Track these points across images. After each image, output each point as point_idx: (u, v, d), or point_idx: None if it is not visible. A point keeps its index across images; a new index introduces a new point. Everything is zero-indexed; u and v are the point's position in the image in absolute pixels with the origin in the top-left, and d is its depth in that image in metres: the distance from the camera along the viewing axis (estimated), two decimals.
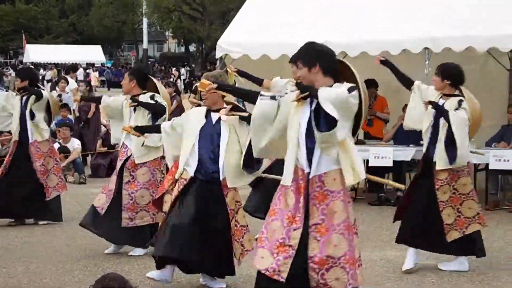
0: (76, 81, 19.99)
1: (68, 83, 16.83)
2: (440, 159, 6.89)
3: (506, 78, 11.57)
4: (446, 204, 6.94)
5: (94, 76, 43.13)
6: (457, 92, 7.14)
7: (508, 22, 9.88)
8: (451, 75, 7.09)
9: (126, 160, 7.64)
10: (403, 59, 10.40)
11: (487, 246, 8.03)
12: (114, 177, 7.72)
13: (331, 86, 4.74)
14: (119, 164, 7.73)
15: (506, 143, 10.22)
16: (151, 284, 6.53)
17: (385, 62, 7.67)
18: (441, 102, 7.06)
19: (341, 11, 10.70)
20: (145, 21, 61.43)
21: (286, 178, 4.79)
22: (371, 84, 11.21)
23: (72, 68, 23.20)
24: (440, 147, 6.91)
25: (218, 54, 10.94)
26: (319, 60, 4.77)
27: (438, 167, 6.90)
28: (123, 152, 7.71)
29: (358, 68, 12.46)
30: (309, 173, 4.73)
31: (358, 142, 10.89)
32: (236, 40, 10.80)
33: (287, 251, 4.64)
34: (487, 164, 10.08)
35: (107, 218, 7.61)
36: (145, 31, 61.68)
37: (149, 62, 60.23)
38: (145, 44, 62.87)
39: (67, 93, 16.28)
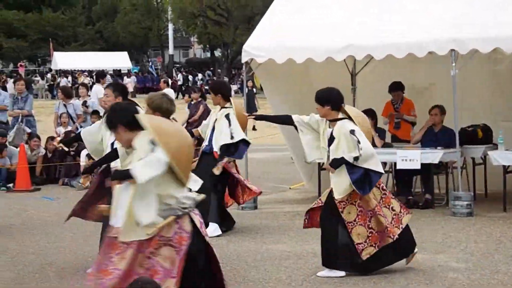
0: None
1: (88, 89, 16.82)
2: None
3: None
4: (354, 224, 6.93)
5: (130, 82, 43.48)
6: (341, 115, 7.08)
7: None
8: (329, 100, 7.04)
9: None
10: (429, 61, 10.37)
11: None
12: None
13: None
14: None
15: None
16: None
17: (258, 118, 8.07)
18: (328, 130, 7.09)
19: (366, 14, 10.68)
20: (170, 27, 61.73)
21: None
22: (398, 87, 11.17)
23: (100, 75, 23.29)
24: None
25: (244, 59, 10.98)
26: (119, 122, 5.13)
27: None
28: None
29: (383, 70, 12.40)
30: None
31: (385, 145, 10.87)
32: (261, 45, 10.82)
33: None
34: None
35: None
36: (170, 36, 61.97)
37: (173, 68, 60.46)
38: (171, 50, 63.15)
39: (90, 98, 16.30)
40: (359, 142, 6.86)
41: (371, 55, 10.39)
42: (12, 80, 29.19)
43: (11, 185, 13.03)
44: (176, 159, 4.94)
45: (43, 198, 12.11)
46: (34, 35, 61.00)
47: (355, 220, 6.94)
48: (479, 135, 10.74)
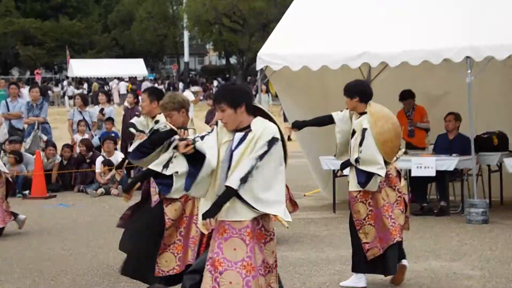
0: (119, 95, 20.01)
1: (108, 97, 16.84)
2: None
3: None
4: (364, 222, 6.76)
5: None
6: (365, 110, 6.85)
7: None
8: (359, 91, 6.83)
9: None
10: (445, 68, 10.34)
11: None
12: None
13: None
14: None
15: None
16: None
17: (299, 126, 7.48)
18: (355, 121, 6.86)
19: (381, 22, 10.67)
20: (186, 34, 61.93)
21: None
22: (408, 95, 11.10)
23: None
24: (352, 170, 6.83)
25: (259, 66, 10.99)
26: (245, 100, 4.81)
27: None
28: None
29: (399, 77, 12.37)
30: None
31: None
32: (277, 52, 10.84)
33: None
34: None
35: None
36: (186, 44, 62.16)
37: (190, 75, 60.65)
38: (186, 57, 63.33)
39: (109, 106, 16.39)
40: (360, 144, 6.69)
41: (386, 62, 10.38)
42: (28, 87, 29.38)
43: (27, 192, 13.12)
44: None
45: (60, 205, 12.17)
46: (51, 42, 61.36)
47: (364, 219, 6.78)
48: (494, 142, 10.70)
